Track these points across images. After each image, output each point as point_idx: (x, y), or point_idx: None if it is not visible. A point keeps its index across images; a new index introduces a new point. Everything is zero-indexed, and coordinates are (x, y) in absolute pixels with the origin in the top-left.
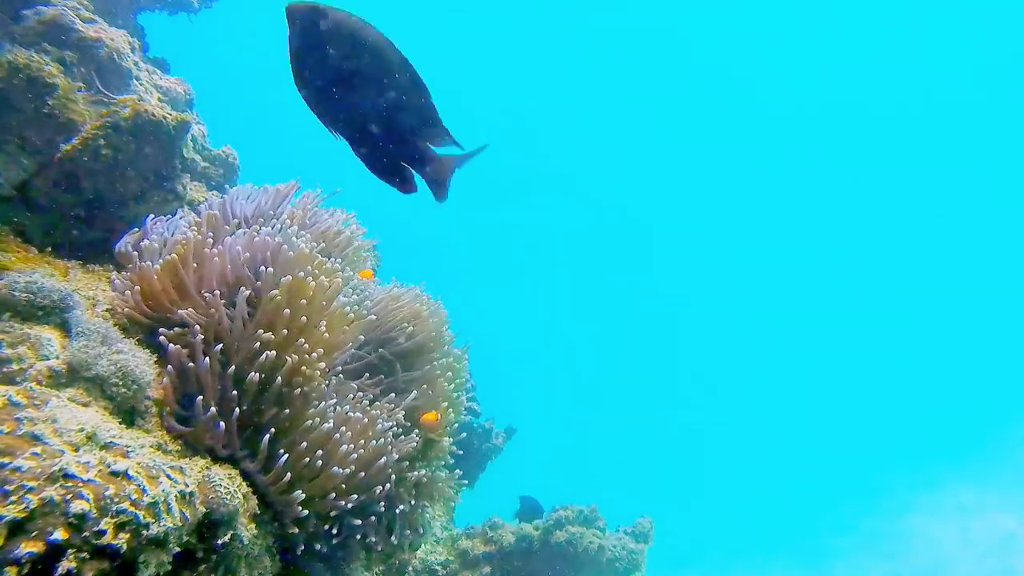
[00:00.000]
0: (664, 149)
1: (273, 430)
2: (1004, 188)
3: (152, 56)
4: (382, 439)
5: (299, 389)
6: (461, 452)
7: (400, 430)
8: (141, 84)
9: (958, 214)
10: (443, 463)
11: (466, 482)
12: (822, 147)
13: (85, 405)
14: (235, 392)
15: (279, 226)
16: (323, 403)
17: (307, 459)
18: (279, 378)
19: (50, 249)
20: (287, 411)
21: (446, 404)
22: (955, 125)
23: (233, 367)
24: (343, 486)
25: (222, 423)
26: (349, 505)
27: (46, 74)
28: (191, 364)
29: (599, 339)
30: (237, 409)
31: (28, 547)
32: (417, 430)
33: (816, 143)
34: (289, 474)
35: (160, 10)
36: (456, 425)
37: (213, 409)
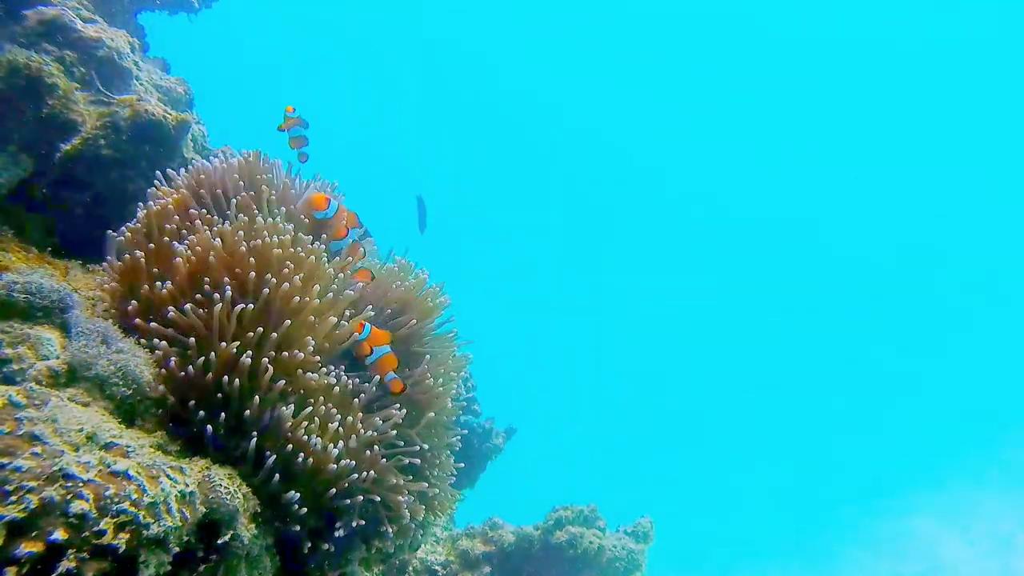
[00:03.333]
0: (668, 149)
1: (256, 433)
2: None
3: (152, 56)
4: (374, 440)
5: (290, 397)
6: (462, 465)
7: (393, 430)
8: (141, 84)
9: (961, 214)
10: (445, 463)
11: (452, 479)
12: (829, 147)
13: (85, 405)
14: (220, 395)
15: (255, 211)
16: (312, 405)
17: (297, 459)
18: (267, 380)
19: (50, 249)
20: (274, 412)
21: (444, 387)
22: (954, 126)
23: (218, 370)
24: (336, 486)
25: (209, 427)
26: (353, 506)
27: (46, 74)
28: (181, 371)
29: (599, 339)
30: (223, 413)
31: (28, 547)
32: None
33: (822, 142)
34: (278, 475)
35: (160, 10)
36: (455, 418)
37: (202, 412)
